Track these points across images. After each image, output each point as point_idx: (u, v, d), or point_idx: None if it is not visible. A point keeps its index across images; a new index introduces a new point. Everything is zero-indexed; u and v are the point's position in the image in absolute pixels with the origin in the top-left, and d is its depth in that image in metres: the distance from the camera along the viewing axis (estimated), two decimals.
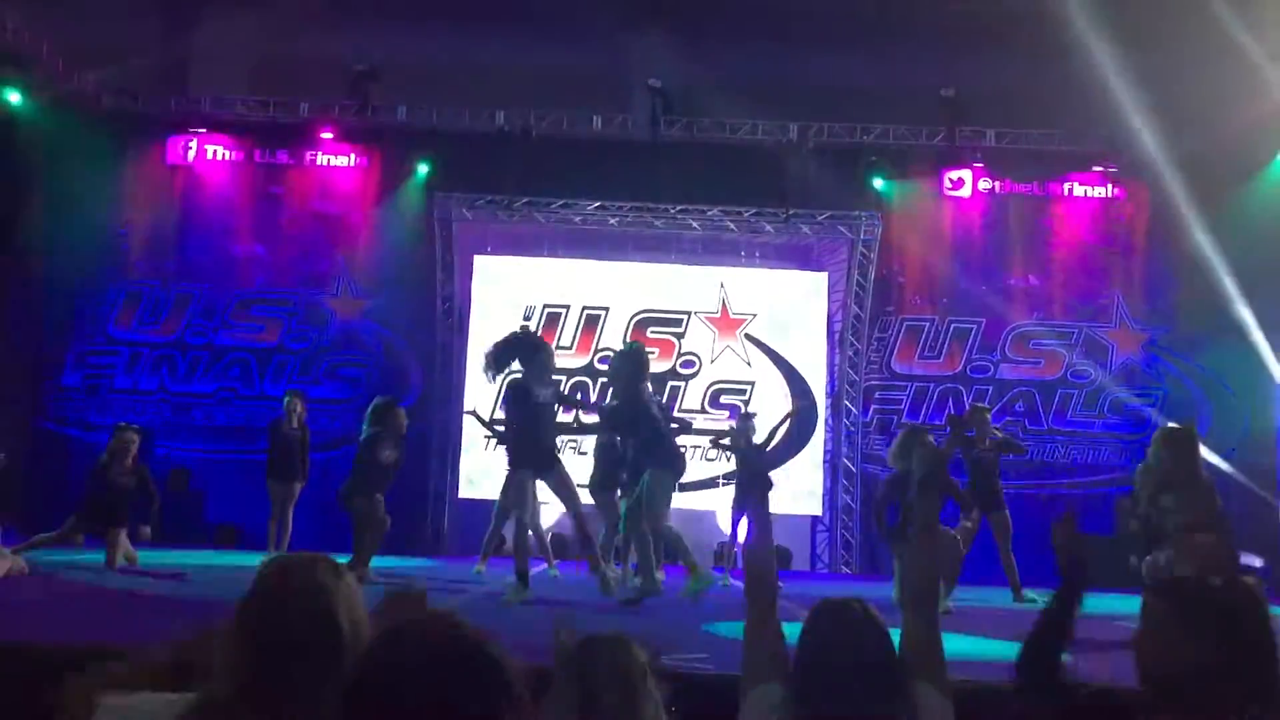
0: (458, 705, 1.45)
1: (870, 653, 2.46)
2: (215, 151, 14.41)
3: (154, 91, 14.39)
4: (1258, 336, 13.14)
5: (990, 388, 14.04)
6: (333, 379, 14.16)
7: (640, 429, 7.96)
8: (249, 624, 2.06)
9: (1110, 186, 14.37)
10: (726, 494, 14.03)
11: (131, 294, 14.23)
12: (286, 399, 11.02)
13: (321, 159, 14.43)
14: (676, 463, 8.08)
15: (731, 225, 14.28)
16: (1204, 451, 12.70)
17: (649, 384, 8.43)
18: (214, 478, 13.59)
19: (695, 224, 14.24)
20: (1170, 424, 8.35)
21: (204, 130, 14.32)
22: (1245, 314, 13.10)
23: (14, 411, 13.73)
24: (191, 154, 14.37)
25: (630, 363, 8.09)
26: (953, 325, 14.28)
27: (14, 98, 13.55)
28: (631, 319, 14.43)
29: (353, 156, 14.45)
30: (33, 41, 13.44)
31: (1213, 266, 13.12)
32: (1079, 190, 14.44)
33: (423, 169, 14.23)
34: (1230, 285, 13.08)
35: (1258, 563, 12.33)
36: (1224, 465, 13.04)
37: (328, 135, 14.35)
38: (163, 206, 14.34)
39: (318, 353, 14.24)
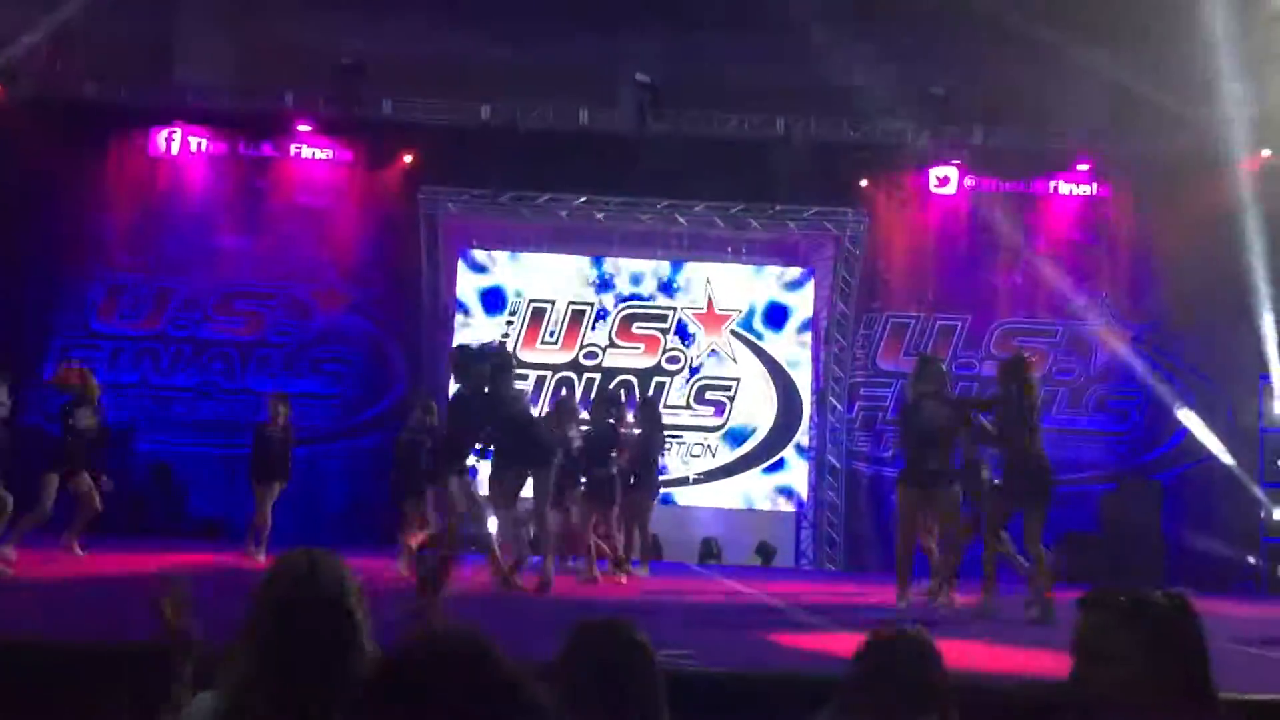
0: None
1: (917, 677, 2.51)
2: (198, 143, 14.30)
3: (138, 81, 14.25)
4: (1243, 331, 13.19)
5: (975, 385, 14.03)
6: (316, 373, 14.08)
7: None
8: (270, 618, 2.10)
9: (1094, 184, 14.42)
10: (708, 491, 14.09)
11: (114, 287, 14.12)
12: (271, 401, 10.88)
13: (306, 152, 14.34)
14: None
15: (718, 221, 14.24)
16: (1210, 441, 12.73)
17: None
18: (196, 472, 13.50)
19: (682, 219, 14.20)
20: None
21: (187, 122, 14.20)
22: (1228, 308, 13.18)
23: None
24: (175, 146, 14.26)
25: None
26: (938, 322, 14.29)
27: None
28: (617, 314, 14.40)
29: (337, 150, 14.36)
30: (15, 29, 13.29)
31: (1195, 263, 13.18)
32: (1064, 188, 14.49)
33: (407, 162, 14.15)
34: (1214, 281, 13.15)
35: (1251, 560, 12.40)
36: (1229, 460, 13.10)
37: (310, 128, 14.25)
38: (145, 198, 14.22)
39: (301, 347, 14.16)
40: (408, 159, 14.15)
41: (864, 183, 14.24)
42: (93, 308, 14.09)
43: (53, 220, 13.84)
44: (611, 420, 9.75)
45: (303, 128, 14.23)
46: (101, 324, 14.08)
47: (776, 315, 14.51)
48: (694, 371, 14.31)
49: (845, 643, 5.56)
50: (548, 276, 14.52)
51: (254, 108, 14.39)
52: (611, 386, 13.40)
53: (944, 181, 14.43)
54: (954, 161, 14.36)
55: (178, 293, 14.14)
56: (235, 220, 14.28)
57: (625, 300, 14.51)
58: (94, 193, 14.05)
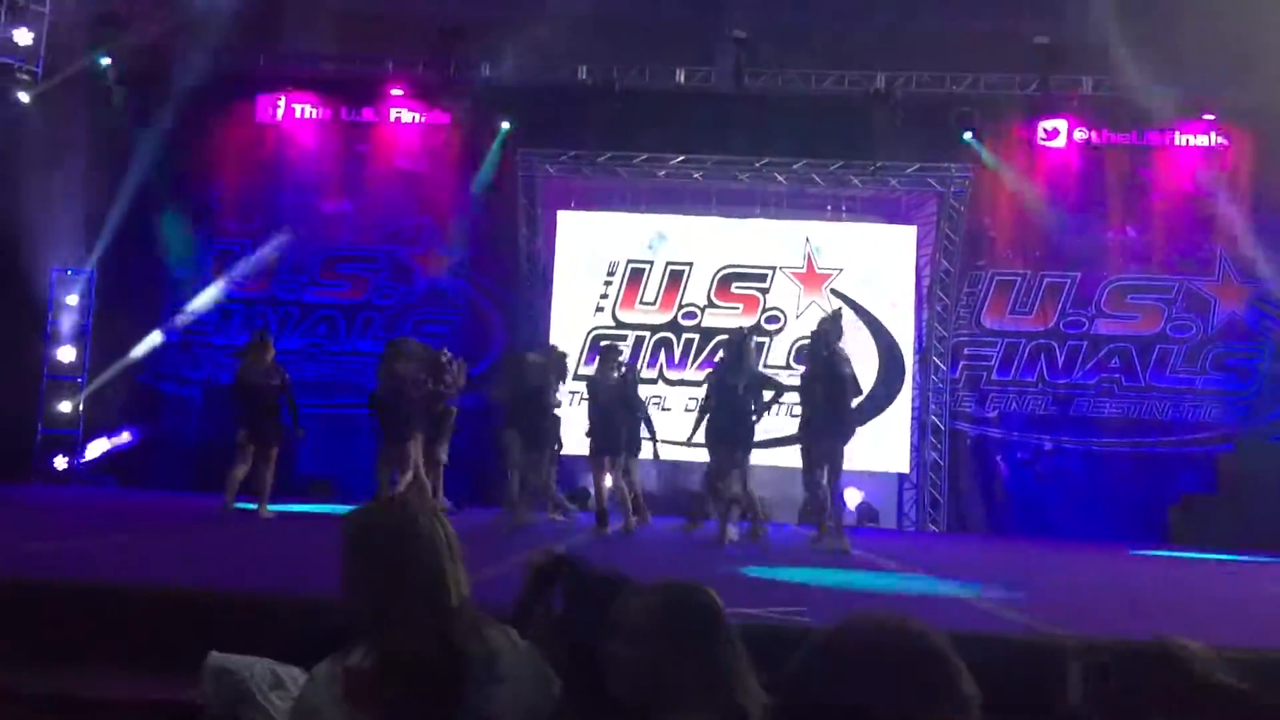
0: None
1: None
2: (303, 110, 14.52)
3: (244, 50, 14.50)
4: None
5: (1085, 343, 13.69)
6: (418, 335, 14.22)
7: None
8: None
9: (1213, 135, 13.84)
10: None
11: (223, 251, 14.47)
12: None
13: (406, 116, 14.47)
14: None
15: (817, 178, 14.04)
16: None
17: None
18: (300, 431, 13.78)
19: (780, 177, 14.03)
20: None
21: (292, 89, 14.42)
22: None
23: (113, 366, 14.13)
24: (280, 112, 14.50)
25: None
26: (1045, 280, 13.91)
27: (108, 60, 13.82)
28: (715, 274, 14.31)
29: (436, 114, 14.46)
30: (127, 2, 13.66)
31: None
32: (1180, 139, 13.92)
33: (505, 125, 14.19)
34: None
35: None
36: None
37: (409, 93, 14.36)
38: (252, 165, 14.52)
39: (404, 309, 14.37)
40: (505, 121, 14.16)
41: (968, 137, 13.85)
42: (204, 272, 14.45)
43: (164, 187, 14.21)
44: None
45: (407, 93, 14.35)
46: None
47: (877, 273, 14.25)
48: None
49: (957, 599, 5.45)
50: (646, 236, 14.46)
51: (355, 73, 14.56)
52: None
53: (1052, 134, 13.99)
54: (1063, 113, 13.90)
55: (284, 257, 14.43)
56: (339, 185, 14.52)
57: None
58: (204, 160, 14.37)
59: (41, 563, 5.19)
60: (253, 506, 9.39)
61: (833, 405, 8.65)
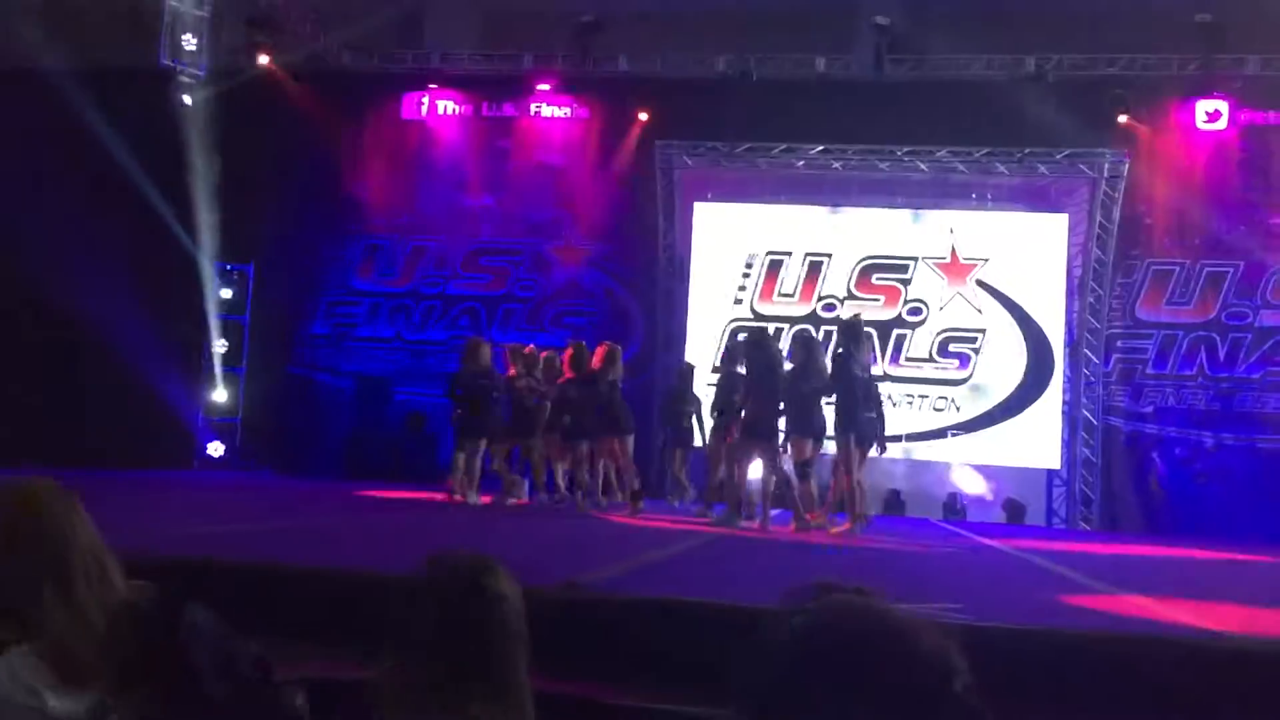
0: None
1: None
2: (446, 106, 14.83)
3: (391, 48, 14.90)
4: None
5: (1249, 335, 13.02)
6: (558, 327, 14.42)
7: None
8: None
9: None
10: (952, 445, 13.64)
11: (371, 247, 14.89)
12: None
13: (546, 110, 14.63)
14: None
15: (961, 166, 13.69)
16: None
17: None
18: (446, 421, 14.08)
19: (923, 166, 13.73)
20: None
21: (436, 86, 14.74)
22: None
23: (270, 359, 14.69)
24: (424, 109, 14.84)
25: None
26: (1206, 269, 13.28)
27: (265, 59, 14.34)
28: (856, 265, 14.09)
29: (576, 107, 14.59)
30: (283, 4, 14.18)
31: None
32: None
33: (643, 117, 14.22)
34: None
35: None
36: None
37: (549, 87, 14.52)
38: (398, 161, 14.89)
39: (543, 301, 14.56)
40: (643, 115, 14.20)
41: (1122, 120, 13.31)
42: (352, 267, 14.92)
43: (316, 185, 14.72)
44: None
45: (542, 87, 14.52)
46: (361, 282, 14.90)
47: (1025, 263, 13.82)
48: None
49: (1117, 603, 5.20)
50: (785, 228, 14.33)
51: (495, 69, 14.80)
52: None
53: (1214, 116, 13.31)
54: (1225, 94, 13.23)
55: (428, 251, 14.79)
56: (480, 180, 14.79)
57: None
58: (353, 157, 14.80)
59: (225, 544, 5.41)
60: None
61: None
